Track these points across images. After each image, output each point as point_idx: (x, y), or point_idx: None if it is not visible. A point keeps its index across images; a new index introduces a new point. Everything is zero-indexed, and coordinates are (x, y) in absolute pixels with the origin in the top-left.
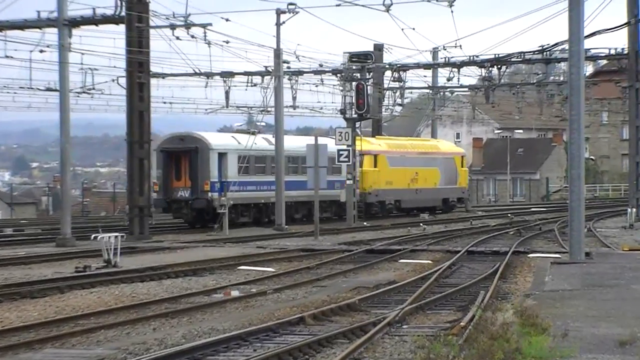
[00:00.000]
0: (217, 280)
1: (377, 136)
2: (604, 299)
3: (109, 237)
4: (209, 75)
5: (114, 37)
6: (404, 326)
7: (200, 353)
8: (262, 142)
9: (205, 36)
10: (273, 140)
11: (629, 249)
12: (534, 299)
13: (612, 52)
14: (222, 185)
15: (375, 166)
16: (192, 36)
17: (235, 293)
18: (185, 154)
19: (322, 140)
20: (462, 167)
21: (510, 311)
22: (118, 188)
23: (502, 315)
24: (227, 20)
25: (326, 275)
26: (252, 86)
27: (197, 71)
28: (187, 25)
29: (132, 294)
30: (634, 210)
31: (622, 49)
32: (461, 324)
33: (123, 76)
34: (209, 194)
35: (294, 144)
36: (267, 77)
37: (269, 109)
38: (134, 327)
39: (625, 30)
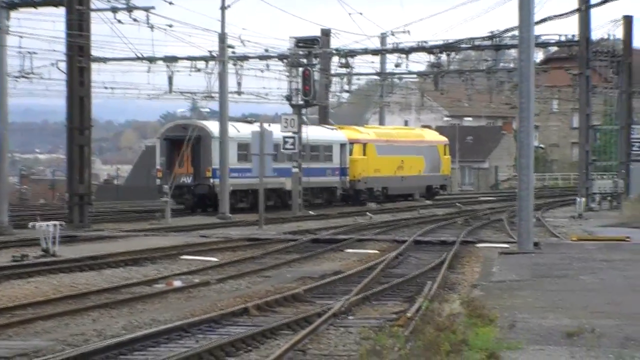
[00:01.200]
0: (158, 270)
1: (365, 125)
2: (552, 290)
3: (48, 225)
4: (151, 59)
5: (54, 20)
6: (350, 317)
7: (140, 344)
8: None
9: (147, 20)
10: (270, 127)
11: (577, 239)
12: (482, 289)
13: (563, 38)
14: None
15: (364, 154)
16: (135, 20)
17: (177, 283)
18: (188, 141)
19: (313, 129)
20: (445, 155)
21: (457, 302)
22: (57, 175)
23: (449, 306)
24: (170, 3)
25: (271, 265)
26: (196, 71)
27: (140, 56)
28: (129, 9)
29: (71, 284)
30: (584, 199)
31: (573, 35)
32: (407, 315)
33: (63, 60)
34: (211, 180)
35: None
36: (211, 62)
37: (213, 94)
38: (72, 318)
39: (576, 16)
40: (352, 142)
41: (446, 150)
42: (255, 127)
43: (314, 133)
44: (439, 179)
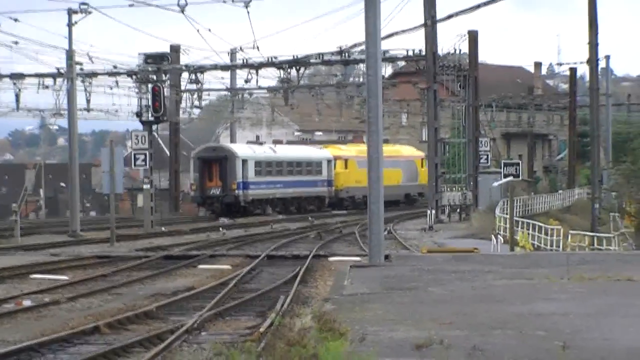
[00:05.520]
0: (7, 290)
1: (348, 144)
2: (402, 302)
3: None
4: None
5: None
6: (203, 333)
7: None
8: (269, 151)
9: None
10: (276, 148)
11: (427, 251)
12: (333, 303)
13: (411, 53)
14: (244, 185)
15: (345, 168)
16: None
17: (27, 303)
18: (216, 160)
19: (307, 149)
20: (422, 167)
21: (308, 316)
22: None
23: (301, 321)
24: (15, 20)
25: (123, 282)
26: (44, 88)
27: None
28: None
29: None
30: (434, 211)
31: (420, 50)
32: (260, 330)
33: None
34: (236, 191)
35: (291, 152)
36: (59, 79)
37: (62, 111)
38: None
39: (422, 31)
40: (335, 158)
41: (423, 163)
42: (266, 147)
43: (308, 152)
44: (416, 188)
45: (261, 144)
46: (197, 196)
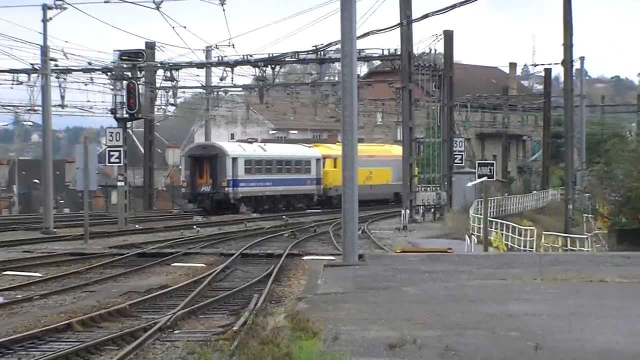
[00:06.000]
0: None
1: (336, 142)
2: (375, 302)
3: None
4: None
5: None
6: (176, 331)
7: None
8: (258, 149)
9: None
10: (265, 147)
11: (401, 250)
12: (307, 302)
13: (386, 52)
14: (234, 182)
15: (334, 167)
16: None
17: None
18: (207, 158)
19: (296, 147)
20: None
21: (282, 315)
22: None
23: (274, 320)
24: None
25: (96, 280)
26: (18, 84)
27: None
28: None
29: None
30: (408, 211)
31: (396, 49)
32: (234, 328)
33: None
34: (226, 188)
35: (281, 150)
36: (34, 75)
37: (36, 107)
38: None
39: (398, 31)
40: (324, 157)
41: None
42: (256, 145)
43: (297, 151)
44: None
45: (251, 142)
46: (188, 193)
